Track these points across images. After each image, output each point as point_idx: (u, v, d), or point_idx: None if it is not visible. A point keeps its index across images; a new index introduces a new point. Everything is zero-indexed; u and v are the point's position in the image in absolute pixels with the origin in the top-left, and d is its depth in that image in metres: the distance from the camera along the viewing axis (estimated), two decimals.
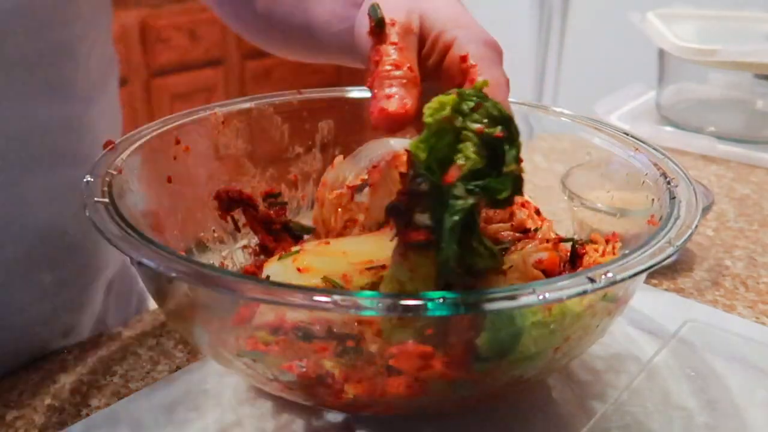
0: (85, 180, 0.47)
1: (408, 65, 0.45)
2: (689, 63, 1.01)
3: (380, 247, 0.46)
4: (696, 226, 0.44)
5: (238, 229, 0.57)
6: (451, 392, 0.43)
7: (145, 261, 0.40)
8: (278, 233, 0.57)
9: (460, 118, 0.39)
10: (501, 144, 0.39)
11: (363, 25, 0.48)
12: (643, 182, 0.54)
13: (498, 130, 0.39)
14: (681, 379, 0.52)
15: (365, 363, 0.41)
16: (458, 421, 0.48)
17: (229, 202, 0.55)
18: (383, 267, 0.45)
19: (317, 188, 0.59)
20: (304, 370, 0.42)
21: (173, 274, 0.39)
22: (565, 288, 0.38)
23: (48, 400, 0.50)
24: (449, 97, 0.39)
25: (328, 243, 0.50)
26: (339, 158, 0.61)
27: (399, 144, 0.59)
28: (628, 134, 0.57)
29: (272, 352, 0.42)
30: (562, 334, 0.42)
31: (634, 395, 0.49)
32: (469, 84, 0.44)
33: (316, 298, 0.37)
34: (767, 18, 1.11)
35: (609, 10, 1.70)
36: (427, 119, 0.39)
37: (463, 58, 0.45)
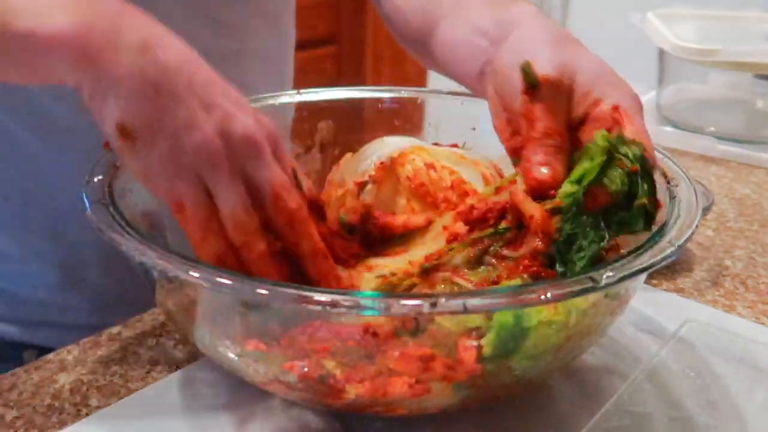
0: (85, 180, 0.47)
1: (558, 130, 0.48)
2: (689, 63, 1.01)
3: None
4: (696, 226, 0.44)
5: None
6: (452, 393, 0.43)
7: (145, 261, 0.40)
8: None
9: (614, 153, 0.45)
10: (636, 178, 0.45)
11: (500, 72, 0.51)
12: None
13: (635, 166, 0.45)
14: (681, 379, 0.52)
15: (366, 365, 0.41)
16: (458, 421, 0.48)
17: None
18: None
19: (318, 188, 0.59)
20: (306, 370, 0.42)
21: (173, 274, 0.39)
22: (566, 287, 0.38)
23: (48, 400, 0.50)
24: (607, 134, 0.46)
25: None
26: (347, 156, 0.61)
27: (405, 142, 0.59)
28: None
29: (273, 352, 0.42)
30: (565, 333, 0.42)
31: (634, 395, 0.49)
32: (617, 130, 0.47)
33: (317, 297, 0.37)
34: (767, 18, 1.11)
35: (609, 10, 1.70)
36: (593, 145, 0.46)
37: (615, 108, 0.48)
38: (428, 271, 0.47)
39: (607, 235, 0.45)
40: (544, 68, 0.49)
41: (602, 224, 0.45)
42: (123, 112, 0.42)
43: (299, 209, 0.45)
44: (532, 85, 0.48)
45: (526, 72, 0.49)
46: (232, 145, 0.43)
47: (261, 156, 0.43)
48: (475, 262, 0.46)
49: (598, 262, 0.49)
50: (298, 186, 0.46)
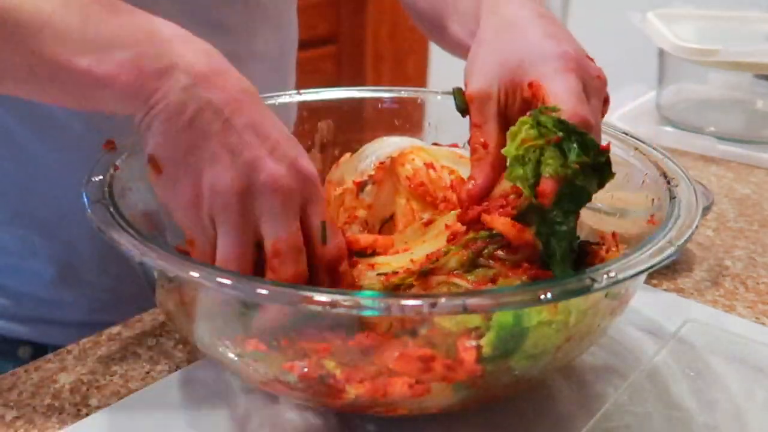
0: (85, 180, 0.47)
1: (482, 141, 0.50)
2: (689, 63, 1.01)
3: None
4: (696, 226, 0.44)
5: None
6: (452, 393, 0.43)
7: (145, 261, 0.40)
8: None
9: (535, 138, 0.44)
10: (565, 145, 0.43)
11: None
12: (643, 182, 0.54)
13: (556, 135, 0.43)
14: (681, 379, 0.52)
15: (366, 365, 0.41)
16: (459, 421, 0.48)
17: None
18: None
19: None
20: (306, 370, 0.42)
21: (173, 275, 0.39)
22: (566, 287, 0.38)
23: (48, 400, 0.50)
24: (516, 128, 0.45)
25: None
26: (346, 156, 0.61)
27: (405, 142, 0.59)
28: (628, 134, 0.57)
29: (273, 352, 0.42)
30: (565, 333, 0.42)
31: (634, 395, 0.49)
32: (536, 103, 0.47)
33: (317, 298, 0.37)
34: (767, 18, 1.11)
35: (609, 10, 1.70)
36: (506, 151, 0.45)
37: (530, 85, 0.48)
38: (425, 274, 0.47)
39: (569, 221, 0.45)
40: (475, 84, 0.51)
41: (565, 211, 0.45)
42: (155, 144, 0.43)
43: (294, 277, 0.43)
44: (460, 111, 0.52)
45: (455, 100, 0.52)
46: (250, 193, 0.42)
47: (276, 209, 0.43)
48: (470, 265, 0.46)
49: (580, 252, 0.50)
50: (323, 239, 0.45)
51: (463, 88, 0.52)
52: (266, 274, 0.43)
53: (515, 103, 0.50)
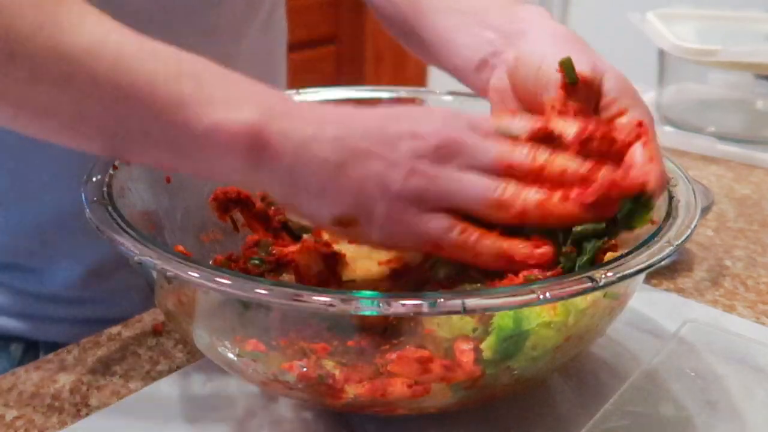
0: (84, 180, 0.47)
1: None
2: (689, 63, 1.01)
3: None
4: (695, 226, 0.44)
5: (236, 229, 0.57)
6: (452, 393, 0.43)
7: (145, 261, 0.40)
8: (277, 232, 0.57)
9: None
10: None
11: (523, 64, 0.51)
12: None
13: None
14: (681, 379, 0.52)
15: (365, 365, 0.41)
16: (458, 421, 0.48)
17: (226, 203, 0.55)
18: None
19: None
20: (305, 370, 0.42)
21: (173, 275, 0.39)
22: (565, 287, 0.38)
23: (48, 400, 0.50)
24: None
25: (329, 243, 0.50)
26: None
27: None
28: None
29: (273, 352, 0.42)
30: (564, 333, 0.42)
31: (634, 395, 0.49)
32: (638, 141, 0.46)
33: (317, 298, 0.37)
34: (767, 18, 1.11)
35: (609, 10, 1.70)
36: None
37: (640, 123, 0.47)
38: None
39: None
40: (581, 66, 0.48)
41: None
42: (328, 207, 0.42)
43: (534, 159, 0.43)
44: (572, 82, 0.48)
45: (567, 68, 0.48)
46: (437, 158, 0.42)
47: (465, 146, 0.42)
48: (456, 275, 0.46)
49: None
50: (515, 136, 0.44)
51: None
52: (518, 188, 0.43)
53: (603, 115, 0.49)
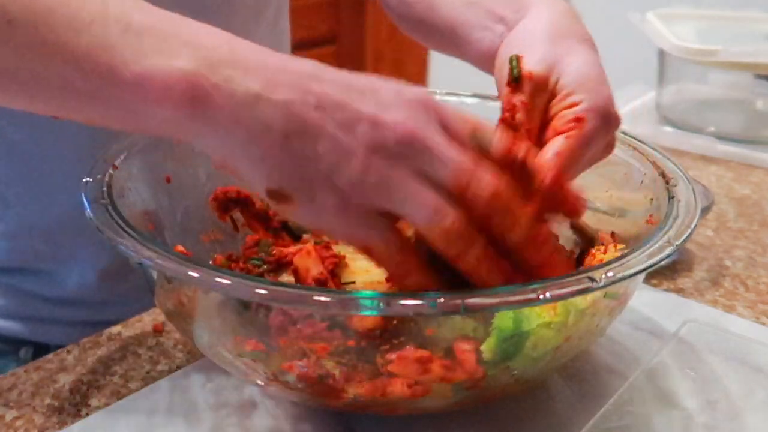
0: (84, 180, 0.47)
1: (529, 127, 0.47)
2: (689, 63, 1.01)
3: None
4: (695, 226, 0.44)
5: (236, 228, 0.57)
6: (452, 393, 0.43)
7: (145, 261, 0.40)
8: (277, 232, 0.57)
9: None
10: None
11: (498, 60, 0.51)
12: (642, 182, 0.54)
13: None
14: (681, 379, 0.52)
15: (365, 365, 0.41)
16: (458, 421, 0.48)
17: (226, 203, 0.55)
18: None
19: None
20: (305, 370, 0.42)
21: (173, 275, 0.39)
22: (565, 287, 0.38)
23: (48, 400, 0.50)
24: None
25: (329, 244, 0.50)
26: None
27: None
28: (627, 134, 0.57)
29: (273, 352, 0.42)
30: (564, 333, 0.42)
31: (634, 395, 0.49)
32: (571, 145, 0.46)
33: (317, 297, 0.37)
34: (767, 18, 1.11)
35: (609, 10, 1.70)
36: None
37: (578, 119, 0.47)
38: None
39: None
40: (532, 64, 0.49)
41: None
42: (266, 178, 0.37)
43: (494, 190, 0.38)
44: (515, 78, 0.49)
45: (512, 65, 0.49)
46: (393, 155, 0.37)
47: (426, 149, 0.37)
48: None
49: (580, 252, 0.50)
50: (485, 150, 0.40)
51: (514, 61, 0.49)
52: (473, 212, 0.39)
53: (554, 109, 0.48)
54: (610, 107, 0.48)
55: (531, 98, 0.48)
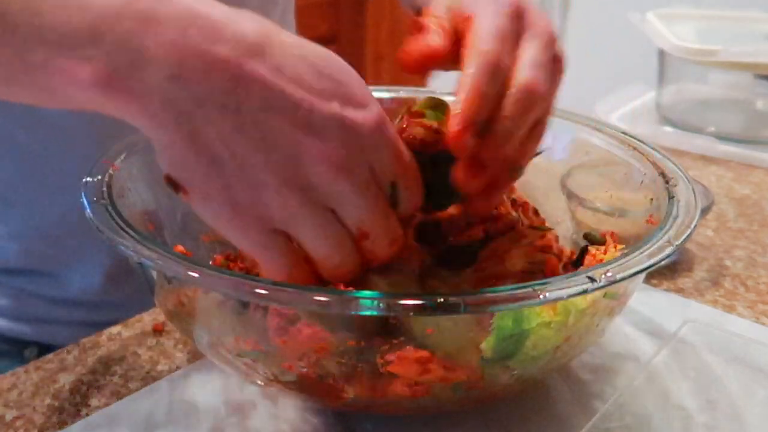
0: (84, 180, 0.47)
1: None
2: (689, 63, 1.01)
3: None
4: (695, 226, 0.45)
5: None
6: (452, 393, 0.43)
7: (145, 261, 0.40)
8: None
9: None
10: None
11: None
12: (642, 182, 0.54)
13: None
14: (681, 379, 0.52)
15: (365, 365, 0.41)
16: (458, 421, 0.48)
17: None
18: None
19: None
20: (305, 370, 0.42)
21: (173, 275, 0.39)
22: (565, 287, 0.38)
23: (48, 400, 0.50)
24: None
25: None
26: None
27: None
28: (627, 134, 0.57)
29: (272, 353, 0.42)
30: (564, 333, 0.42)
31: (634, 395, 0.49)
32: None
33: (317, 297, 0.37)
34: (767, 18, 1.11)
35: (609, 10, 1.70)
36: None
37: (466, 18, 0.42)
38: None
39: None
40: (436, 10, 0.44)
41: None
42: (168, 165, 0.36)
43: (393, 248, 0.39)
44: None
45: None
46: (307, 187, 0.35)
47: (345, 191, 0.36)
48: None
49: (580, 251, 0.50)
50: (396, 203, 0.39)
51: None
52: (362, 255, 0.39)
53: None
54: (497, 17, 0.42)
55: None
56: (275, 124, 0.34)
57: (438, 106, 0.44)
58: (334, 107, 0.35)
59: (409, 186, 0.39)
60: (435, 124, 0.43)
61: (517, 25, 0.42)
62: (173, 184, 0.36)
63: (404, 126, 0.43)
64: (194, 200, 0.36)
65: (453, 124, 0.39)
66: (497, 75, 0.40)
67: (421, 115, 0.43)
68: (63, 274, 0.69)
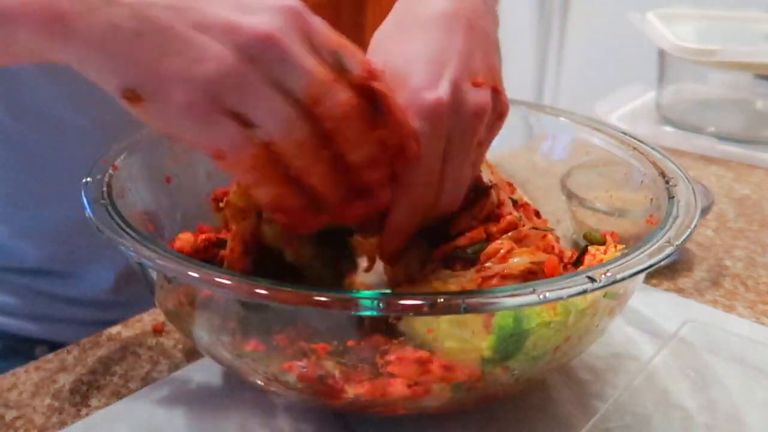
0: (84, 180, 0.47)
1: None
2: (689, 63, 1.01)
3: None
4: (695, 226, 0.45)
5: None
6: (452, 393, 0.43)
7: (144, 261, 0.40)
8: None
9: None
10: None
11: None
12: (642, 182, 0.54)
13: None
14: (681, 379, 0.52)
15: (365, 365, 0.41)
16: (458, 421, 0.48)
17: None
18: None
19: None
20: (305, 370, 0.42)
21: (173, 275, 0.39)
22: (565, 287, 0.38)
23: (48, 400, 0.50)
24: None
25: None
26: None
27: None
28: (627, 134, 0.57)
29: (272, 352, 0.42)
30: (564, 333, 0.42)
31: (634, 395, 0.49)
32: None
33: (317, 298, 0.37)
34: (767, 18, 1.11)
35: (609, 10, 1.70)
36: None
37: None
38: None
39: None
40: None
41: None
42: (118, 76, 0.37)
43: (345, 110, 0.38)
44: None
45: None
46: (248, 58, 0.36)
47: (283, 56, 0.37)
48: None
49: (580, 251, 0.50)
50: (344, 70, 0.39)
51: None
52: (322, 127, 0.39)
53: None
54: (424, 99, 0.42)
55: None
56: (214, 12, 0.37)
57: None
58: None
59: (353, 54, 0.39)
60: None
61: (440, 131, 0.42)
62: (127, 95, 0.38)
63: None
64: (150, 106, 0.38)
65: (389, 245, 0.44)
66: (419, 210, 0.44)
67: None
68: (73, 274, 0.69)
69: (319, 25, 0.39)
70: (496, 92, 0.45)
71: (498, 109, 0.45)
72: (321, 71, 0.38)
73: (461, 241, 0.47)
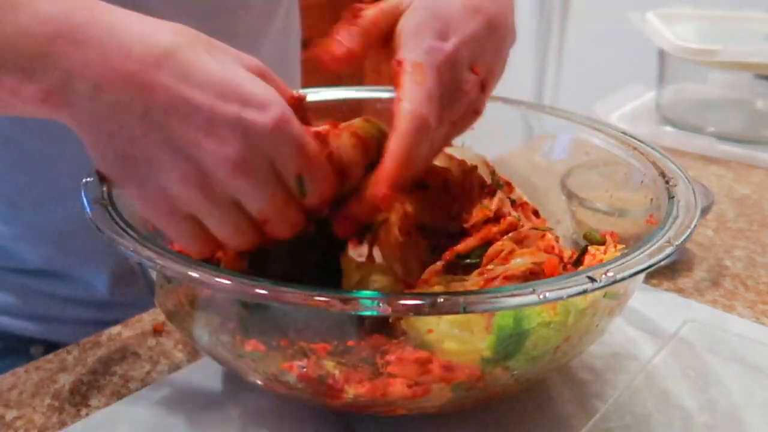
0: (84, 180, 0.47)
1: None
2: (689, 63, 1.01)
3: None
4: (695, 226, 0.45)
5: None
6: (452, 393, 0.43)
7: (144, 261, 0.40)
8: None
9: None
10: None
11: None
12: (642, 182, 0.54)
13: None
14: (681, 379, 0.52)
15: (365, 365, 0.41)
16: (458, 421, 0.48)
17: None
18: None
19: None
20: (305, 370, 0.42)
21: (173, 275, 0.39)
22: (565, 287, 0.38)
23: (48, 400, 0.50)
24: None
25: None
26: None
27: None
28: (627, 134, 0.57)
29: (272, 353, 0.42)
30: (564, 333, 0.42)
31: (634, 395, 0.49)
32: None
33: (317, 298, 0.37)
34: (767, 18, 1.11)
35: (609, 10, 1.70)
36: None
37: (398, 63, 0.43)
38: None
39: None
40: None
41: None
42: (95, 160, 0.41)
43: (291, 232, 0.42)
44: None
45: None
46: (210, 184, 0.39)
47: (243, 187, 0.40)
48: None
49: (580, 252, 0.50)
50: (303, 194, 0.42)
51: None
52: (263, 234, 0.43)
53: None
54: (435, 43, 0.44)
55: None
56: (178, 127, 0.39)
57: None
58: (233, 109, 0.39)
59: (315, 178, 0.42)
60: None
61: (448, 82, 0.44)
62: (101, 177, 0.44)
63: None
64: (119, 187, 0.43)
65: (381, 185, 0.41)
66: (425, 137, 0.42)
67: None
68: (70, 274, 0.69)
69: (289, 141, 0.40)
70: (483, 89, 0.46)
71: (476, 105, 0.47)
72: (276, 203, 0.41)
73: (460, 248, 0.47)
